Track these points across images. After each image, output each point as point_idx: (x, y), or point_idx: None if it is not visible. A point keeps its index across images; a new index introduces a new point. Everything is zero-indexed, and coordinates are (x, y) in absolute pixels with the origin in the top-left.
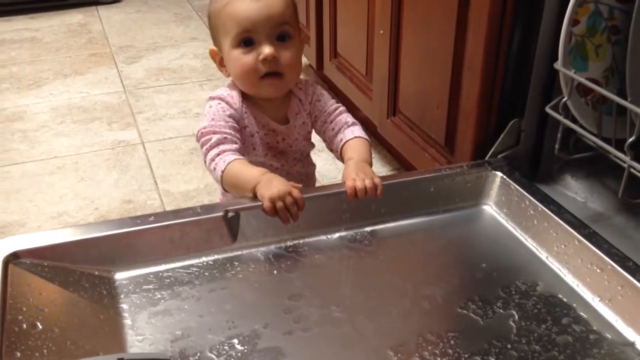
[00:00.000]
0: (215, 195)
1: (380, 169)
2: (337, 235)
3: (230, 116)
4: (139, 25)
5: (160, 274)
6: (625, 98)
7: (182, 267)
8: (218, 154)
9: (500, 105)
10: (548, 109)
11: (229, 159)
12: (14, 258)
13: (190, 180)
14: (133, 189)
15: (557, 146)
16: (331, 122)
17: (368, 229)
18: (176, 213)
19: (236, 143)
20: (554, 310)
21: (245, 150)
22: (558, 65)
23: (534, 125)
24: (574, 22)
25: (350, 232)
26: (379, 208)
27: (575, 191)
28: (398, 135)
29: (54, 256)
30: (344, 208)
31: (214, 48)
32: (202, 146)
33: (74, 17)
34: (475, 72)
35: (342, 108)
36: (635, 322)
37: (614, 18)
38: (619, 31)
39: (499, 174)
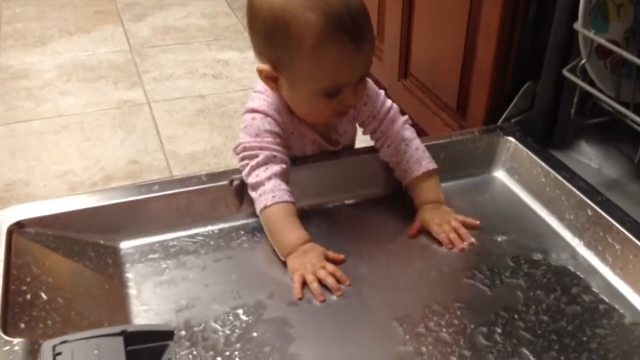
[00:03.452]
0: (221, 158)
1: None
2: (343, 203)
3: (277, 134)
4: None
5: (166, 243)
6: None
7: (187, 236)
8: (269, 178)
9: (515, 68)
10: (565, 72)
11: (277, 198)
12: (18, 227)
13: (196, 141)
14: (139, 150)
15: (572, 110)
16: (384, 133)
17: (375, 197)
18: (181, 181)
19: (286, 163)
20: (563, 280)
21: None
22: (578, 25)
23: (550, 89)
24: None
25: (357, 200)
26: (387, 175)
27: (589, 157)
28: (409, 99)
29: (59, 225)
30: (350, 175)
31: (264, 67)
32: (242, 159)
33: None
34: (490, 35)
35: (392, 112)
36: None
37: None
38: None
39: (511, 139)
